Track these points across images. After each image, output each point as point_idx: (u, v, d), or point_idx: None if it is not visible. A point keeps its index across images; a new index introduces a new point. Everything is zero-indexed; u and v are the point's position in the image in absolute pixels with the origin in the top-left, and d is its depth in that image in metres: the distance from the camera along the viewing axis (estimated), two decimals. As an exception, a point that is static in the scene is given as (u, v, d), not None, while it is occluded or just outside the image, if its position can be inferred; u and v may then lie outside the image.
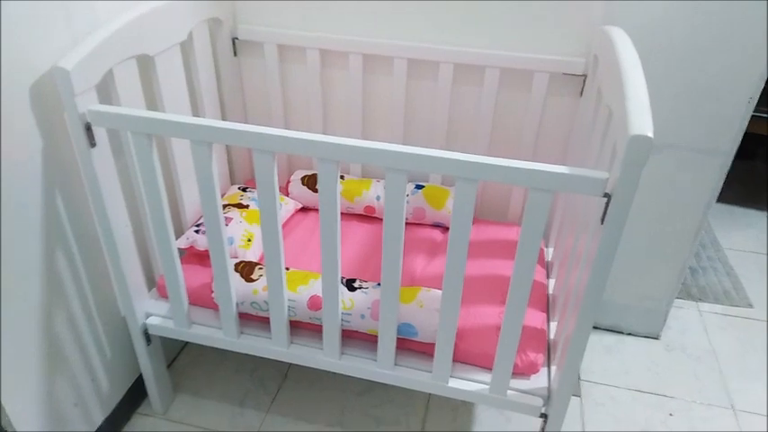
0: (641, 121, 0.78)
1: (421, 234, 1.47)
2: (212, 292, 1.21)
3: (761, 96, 1.32)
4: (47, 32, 0.99)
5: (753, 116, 1.36)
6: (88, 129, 1.00)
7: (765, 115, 2.16)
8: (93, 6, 1.08)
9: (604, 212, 0.85)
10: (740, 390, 1.57)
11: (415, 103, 1.50)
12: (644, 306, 1.69)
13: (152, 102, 1.25)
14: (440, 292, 1.14)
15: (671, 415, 1.49)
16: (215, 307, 1.23)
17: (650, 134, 0.77)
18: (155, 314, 1.28)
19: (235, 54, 1.51)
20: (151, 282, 1.34)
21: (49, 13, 0.99)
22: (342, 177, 1.56)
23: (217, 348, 1.27)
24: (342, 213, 1.54)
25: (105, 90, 1.09)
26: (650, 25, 1.27)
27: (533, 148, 1.45)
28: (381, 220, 1.51)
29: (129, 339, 1.34)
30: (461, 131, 1.51)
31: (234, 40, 1.49)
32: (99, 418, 1.31)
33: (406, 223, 1.50)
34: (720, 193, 1.47)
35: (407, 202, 1.49)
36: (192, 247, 1.30)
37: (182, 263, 1.24)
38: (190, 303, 1.25)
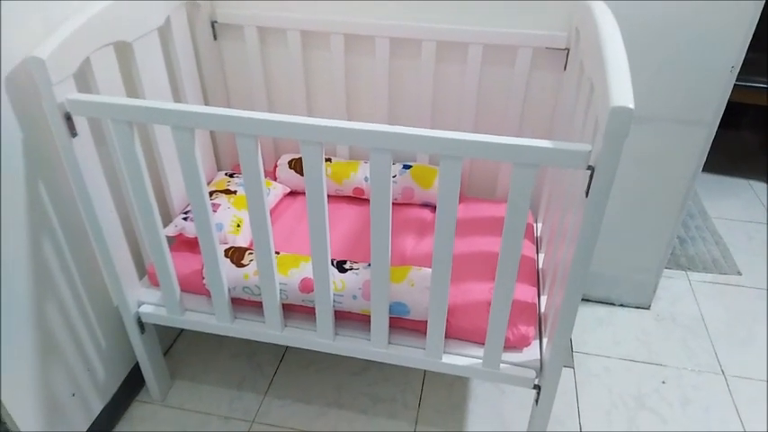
0: (622, 93, 0.78)
1: (410, 214, 1.47)
2: (203, 278, 1.22)
3: (743, 65, 1.32)
4: (20, 21, 0.97)
5: (735, 85, 1.36)
6: (68, 119, 0.99)
7: (748, 84, 2.16)
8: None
9: (588, 185, 0.86)
10: (730, 356, 1.60)
11: (398, 83, 1.49)
12: (634, 277, 1.71)
13: (132, 89, 1.23)
14: (430, 270, 1.15)
15: (663, 383, 1.52)
16: (207, 293, 1.24)
17: (631, 105, 0.77)
18: (147, 302, 1.28)
19: (214, 38, 1.49)
20: (142, 270, 1.34)
21: (22, 1, 0.97)
22: (329, 160, 1.56)
23: (212, 334, 1.27)
24: (330, 196, 1.53)
25: (83, 78, 1.08)
26: (632, -5, 1.27)
27: (519, 124, 1.45)
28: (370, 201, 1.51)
29: (123, 328, 1.35)
30: (446, 109, 1.50)
31: (213, 23, 1.47)
32: (98, 406, 1.32)
33: (396, 204, 1.50)
34: (706, 163, 1.48)
35: (396, 182, 1.49)
36: (181, 234, 1.29)
37: (172, 250, 1.24)
38: (182, 290, 1.26)
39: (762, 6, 1.23)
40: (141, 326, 1.29)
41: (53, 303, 1.14)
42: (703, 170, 1.49)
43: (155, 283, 1.30)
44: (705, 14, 1.26)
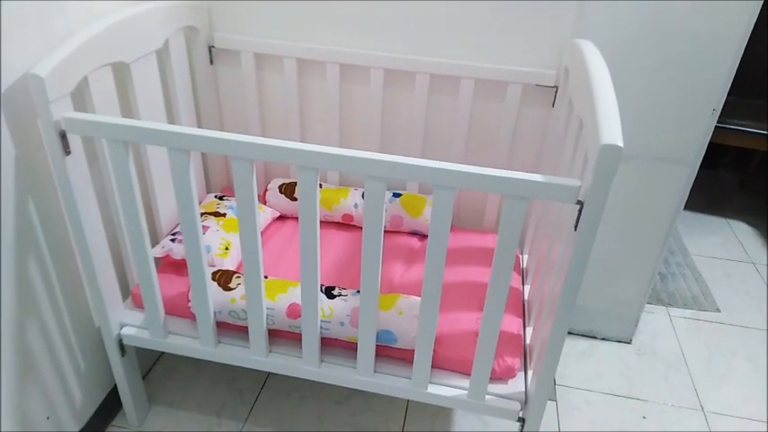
0: (611, 131, 0.81)
1: (399, 242, 1.48)
2: (189, 301, 1.20)
3: (723, 108, 1.38)
4: (20, 38, 0.97)
5: (716, 127, 1.41)
6: (63, 136, 0.99)
7: (728, 126, 2.24)
8: (68, 13, 1.07)
9: (578, 219, 0.88)
10: (709, 392, 1.62)
11: (392, 113, 1.52)
12: (616, 311, 1.73)
13: (127, 109, 1.24)
14: (418, 298, 1.15)
15: (644, 418, 1.53)
16: (192, 316, 1.22)
17: (620, 143, 0.79)
18: (130, 324, 1.26)
19: (211, 62, 1.51)
20: (126, 291, 1.32)
21: (23, 19, 0.97)
22: (320, 186, 1.57)
23: (193, 358, 1.25)
24: (320, 221, 1.54)
25: (80, 97, 1.08)
26: (618, 39, 1.32)
27: (508, 157, 1.48)
28: (359, 228, 1.52)
29: (103, 350, 1.32)
30: (437, 140, 1.53)
31: (210, 48, 1.49)
32: (72, 431, 1.28)
33: (384, 231, 1.50)
34: (687, 201, 1.52)
35: (385, 210, 1.50)
36: (167, 255, 1.28)
37: (157, 272, 1.23)
38: (166, 313, 1.24)
39: (741, 54, 1.29)
40: (122, 348, 1.26)
41: (34, 321, 1.12)
42: (684, 208, 1.53)
43: (138, 304, 1.28)
44: (689, 59, 1.31)
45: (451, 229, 1.55)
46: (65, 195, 1.04)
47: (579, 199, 0.87)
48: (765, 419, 1.54)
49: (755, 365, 1.72)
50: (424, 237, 1.52)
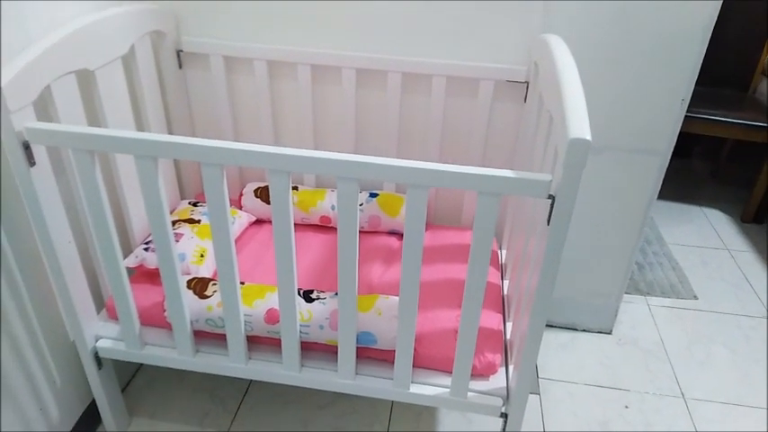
0: (579, 125, 0.81)
1: (377, 242, 1.48)
2: (165, 311, 1.18)
3: (693, 98, 1.39)
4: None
5: (686, 116, 1.43)
6: (27, 147, 0.96)
7: (697, 115, 2.27)
8: (28, 21, 1.04)
9: (550, 213, 0.88)
10: (689, 379, 1.64)
11: (365, 112, 1.51)
12: (595, 302, 1.74)
13: (93, 117, 1.21)
14: (397, 299, 1.15)
15: (626, 407, 1.54)
16: (168, 326, 1.20)
17: (588, 137, 0.80)
18: (105, 336, 1.23)
19: (180, 66, 1.49)
20: (100, 303, 1.29)
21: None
22: (296, 188, 1.56)
23: (173, 368, 1.23)
24: (297, 224, 1.53)
25: (43, 106, 1.06)
26: (586, 32, 1.33)
27: (482, 154, 1.49)
28: (337, 229, 1.51)
29: (79, 364, 1.29)
30: (412, 139, 1.53)
31: (178, 52, 1.46)
32: (49, 448, 1.26)
33: (362, 232, 1.50)
34: (661, 191, 1.54)
35: (362, 210, 1.49)
36: (141, 265, 1.26)
37: (132, 282, 1.21)
38: (141, 324, 1.22)
39: (707, 44, 1.31)
40: (98, 361, 1.24)
41: (4, 338, 1.09)
42: (659, 197, 1.54)
43: (113, 316, 1.25)
44: (657, 50, 1.33)
45: (429, 226, 1.55)
46: (31, 207, 1.02)
47: (551, 193, 0.87)
48: (743, 404, 1.57)
49: (733, 351, 1.74)
50: (402, 236, 1.52)
